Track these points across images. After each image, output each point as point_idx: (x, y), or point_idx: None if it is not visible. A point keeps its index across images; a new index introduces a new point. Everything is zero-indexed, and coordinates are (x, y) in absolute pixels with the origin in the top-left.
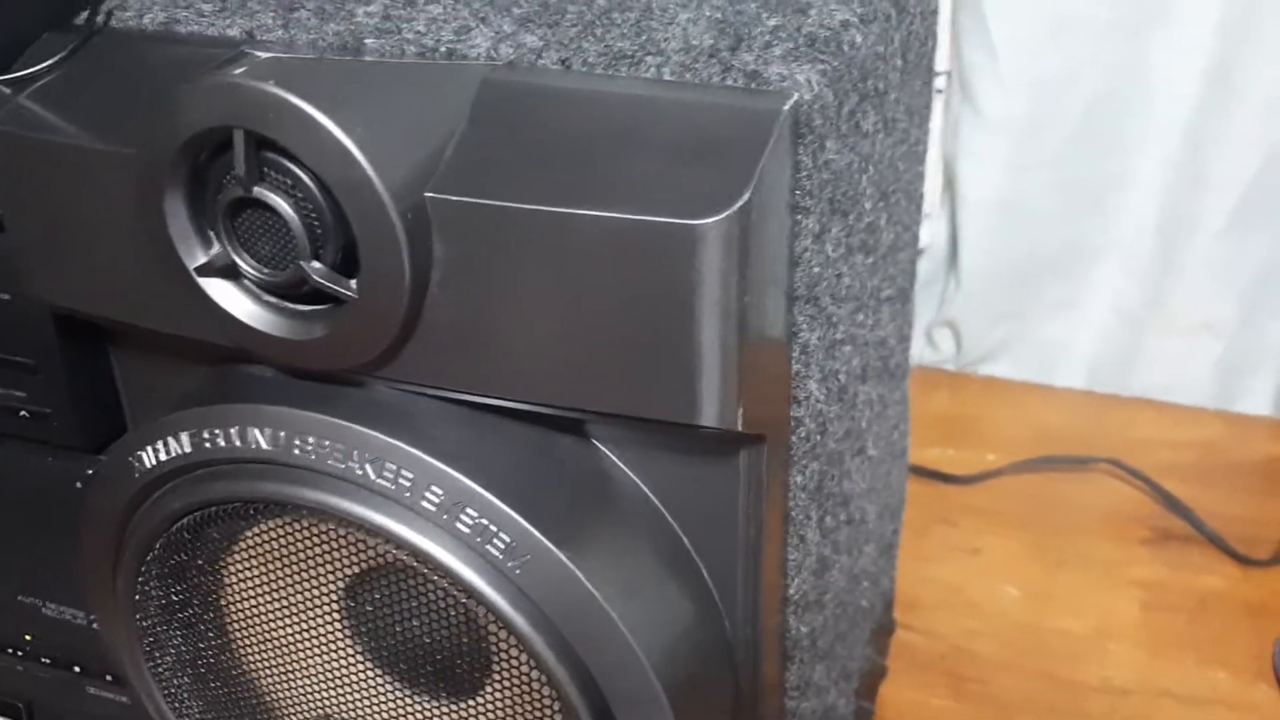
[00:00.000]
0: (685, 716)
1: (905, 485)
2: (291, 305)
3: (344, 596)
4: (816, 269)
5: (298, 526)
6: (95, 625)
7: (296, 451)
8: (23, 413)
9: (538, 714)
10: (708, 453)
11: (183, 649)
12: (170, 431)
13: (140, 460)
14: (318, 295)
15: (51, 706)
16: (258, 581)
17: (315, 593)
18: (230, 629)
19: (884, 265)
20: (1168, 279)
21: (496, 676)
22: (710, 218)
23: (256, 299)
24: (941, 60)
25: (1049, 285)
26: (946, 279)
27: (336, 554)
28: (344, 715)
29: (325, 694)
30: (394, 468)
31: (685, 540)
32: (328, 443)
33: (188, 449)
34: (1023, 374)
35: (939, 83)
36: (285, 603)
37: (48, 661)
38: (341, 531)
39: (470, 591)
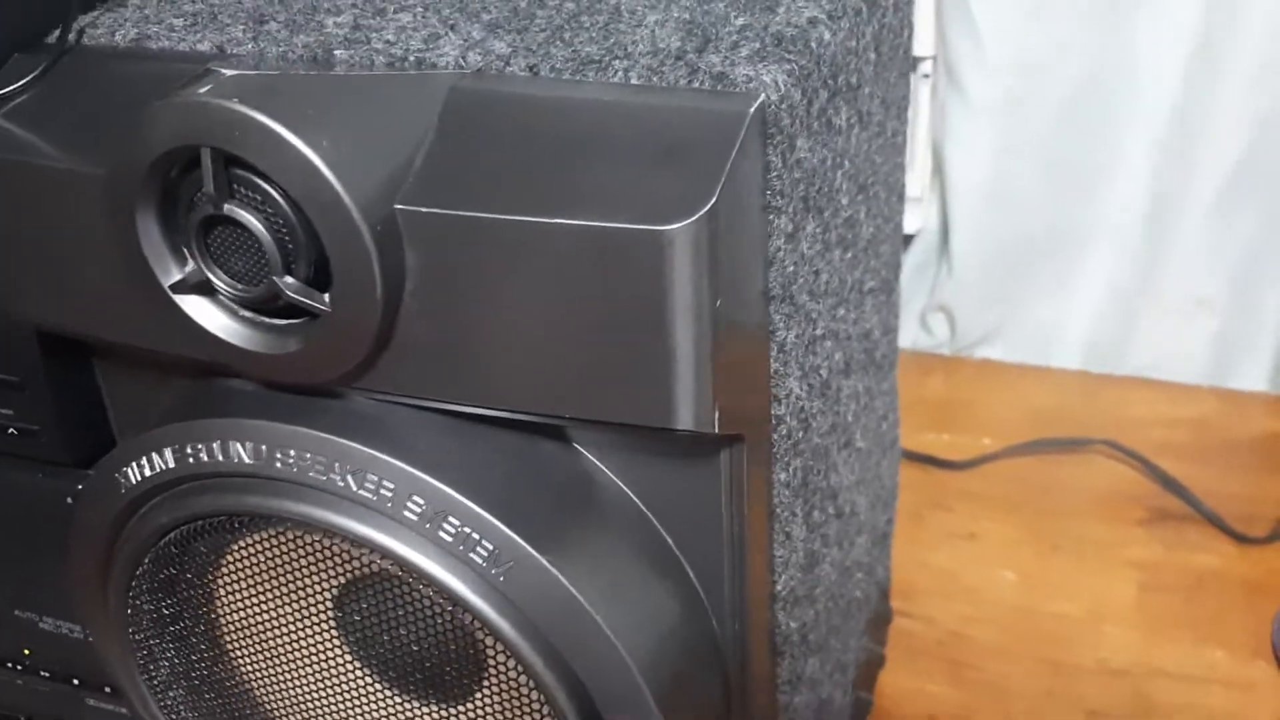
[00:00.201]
0: (674, 716)
1: (897, 475)
2: (267, 320)
3: (334, 606)
4: (791, 268)
5: (284, 538)
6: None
7: (278, 465)
8: (10, 430)
9: (528, 718)
10: (688, 454)
11: (176, 661)
12: (154, 447)
13: (126, 476)
14: (293, 309)
15: (51, 719)
16: (248, 593)
17: (305, 602)
18: (223, 640)
19: (865, 258)
20: (1159, 257)
21: (486, 682)
22: (677, 223)
23: (232, 314)
24: (927, 46)
25: (1041, 267)
26: (939, 263)
27: (324, 564)
28: None
29: (320, 702)
30: (375, 479)
31: (669, 541)
32: (309, 455)
33: (172, 464)
34: (1017, 356)
35: (925, 68)
36: (276, 613)
37: (47, 675)
38: (327, 542)
39: (456, 600)
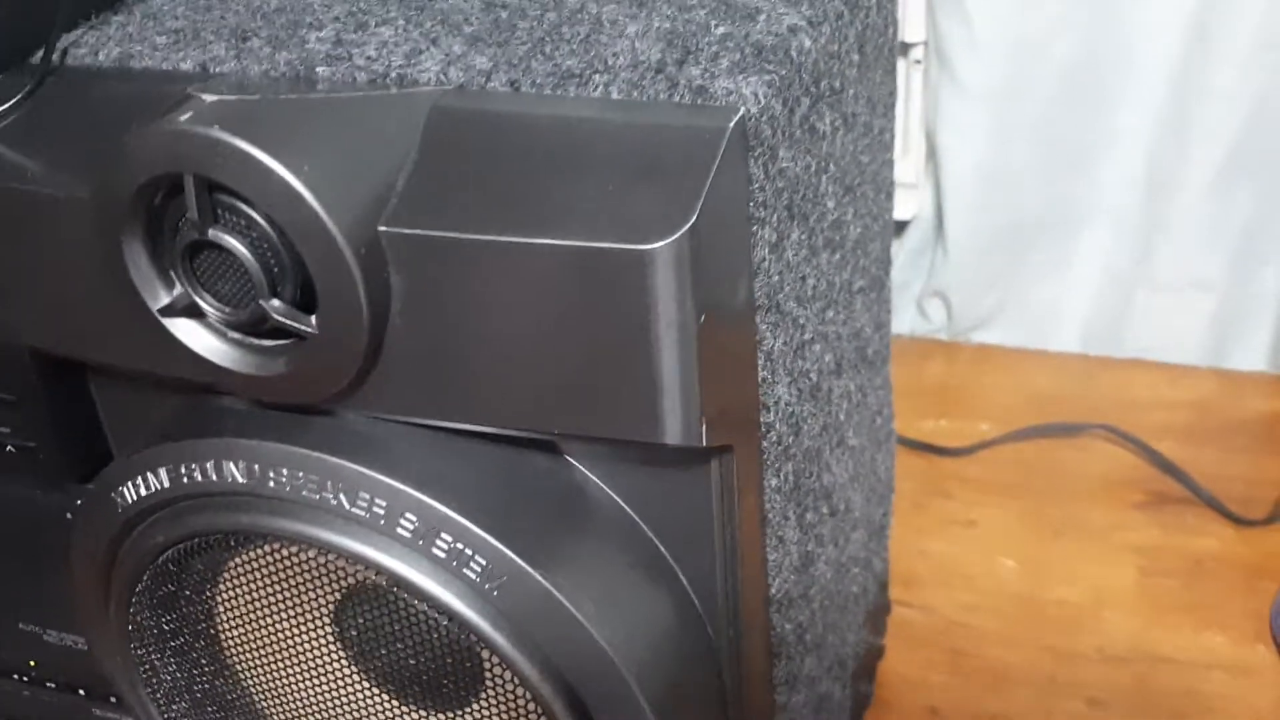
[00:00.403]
0: None
1: (893, 468)
2: (255, 341)
3: (333, 619)
4: (776, 276)
5: (280, 555)
6: None
7: (271, 484)
8: (9, 447)
9: None
10: (678, 464)
11: (178, 675)
12: (149, 467)
13: (122, 496)
14: (281, 331)
15: None
16: (247, 608)
17: (303, 616)
18: (223, 654)
19: (853, 258)
20: (1156, 237)
21: (484, 692)
22: (659, 242)
23: (221, 336)
24: (918, 31)
25: (1037, 250)
26: (934, 249)
27: (320, 579)
28: None
29: (322, 713)
30: (367, 496)
31: (662, 550)
32: (301, 474)
33: (166, 484)
34: (1015, 340)
35: (917, 53)
36: (274, 627)
37: (52, 686)
38: (323, 559)
39: (451, 615)
